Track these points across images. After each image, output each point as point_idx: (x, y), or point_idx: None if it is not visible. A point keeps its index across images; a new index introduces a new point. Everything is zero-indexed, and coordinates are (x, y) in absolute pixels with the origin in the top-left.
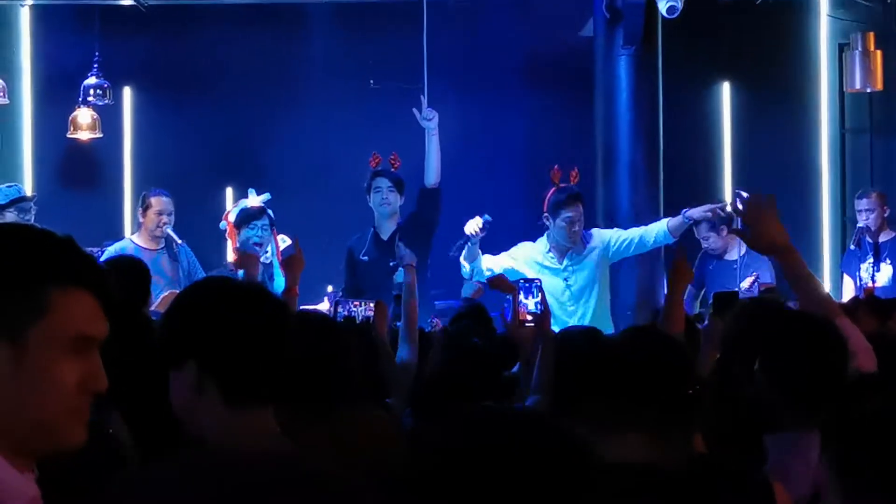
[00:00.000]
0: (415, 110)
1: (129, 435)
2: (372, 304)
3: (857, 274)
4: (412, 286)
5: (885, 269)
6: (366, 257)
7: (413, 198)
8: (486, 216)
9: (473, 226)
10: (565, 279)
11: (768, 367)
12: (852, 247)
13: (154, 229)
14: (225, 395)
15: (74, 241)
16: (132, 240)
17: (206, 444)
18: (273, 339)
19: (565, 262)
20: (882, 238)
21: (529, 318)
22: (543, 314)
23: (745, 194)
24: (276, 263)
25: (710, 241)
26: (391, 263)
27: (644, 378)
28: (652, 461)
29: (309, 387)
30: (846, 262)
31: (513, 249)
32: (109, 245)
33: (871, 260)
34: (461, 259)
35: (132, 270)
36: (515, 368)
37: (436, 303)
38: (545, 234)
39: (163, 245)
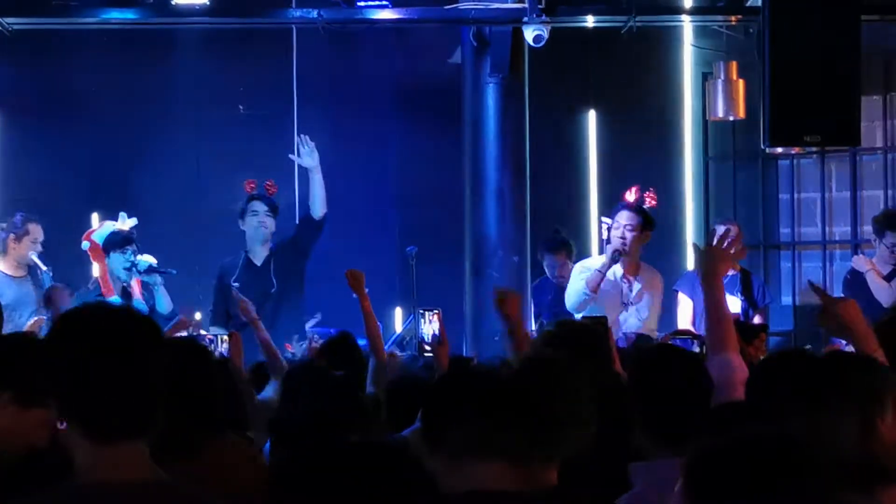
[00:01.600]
0: (291, 156)
1: None
2: (226, 337)
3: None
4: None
5: (732, 300)
6: (237, 283)
7: (284, 224)
8: None
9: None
10: None
11: (636, 397)
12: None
13: (25, 256)
14: (87, 432)
15: None
16: None
17: (74, 479)
18: (136, 373)
19: None
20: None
21: (427, 347)
22: (441, 343)
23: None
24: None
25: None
26: (271, 291)
27: (502, 402)
28: (506, 490)
29: (179, 415)
30: (684, 283)
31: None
32: None
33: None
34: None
35: None
36: None
37: (310, 329)
38: None
39: (26, 272)
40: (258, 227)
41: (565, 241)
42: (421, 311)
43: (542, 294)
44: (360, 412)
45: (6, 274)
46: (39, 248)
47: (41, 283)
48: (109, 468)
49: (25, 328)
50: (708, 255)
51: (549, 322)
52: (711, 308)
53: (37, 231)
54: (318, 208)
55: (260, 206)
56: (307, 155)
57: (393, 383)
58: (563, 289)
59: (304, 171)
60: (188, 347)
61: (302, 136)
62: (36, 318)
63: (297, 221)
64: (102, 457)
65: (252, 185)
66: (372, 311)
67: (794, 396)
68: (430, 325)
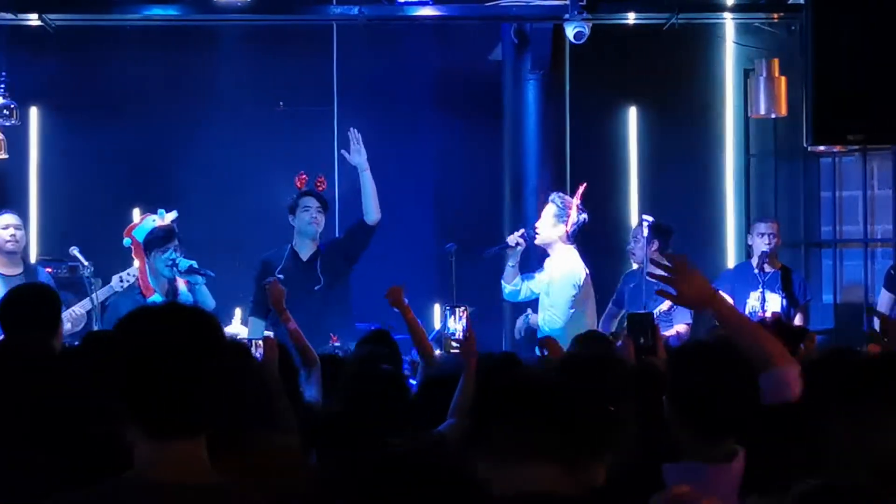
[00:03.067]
0: (343, 152)
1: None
2: (260, 343)
3: (746, 301)
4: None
5: (772, 298)
6: (282, 275)
7: (333, 224)
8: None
9: (515, 236)
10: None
11: (674, 397)
12: (755, 271)
13: (4, 244)
14: (147, 429)
15: None
16: None
17: (130, 475)
18: (195, 372)
19: None
20: (768, 269)
21: (454, 343)
22: (468, 340)
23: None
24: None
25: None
26: (316, 288)
27: (548, 404)
28: (556, 491)
29: (229, 414)
30: (723, 281)
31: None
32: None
33: (762, 289)
34: (502, 280)
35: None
36: None
37: (357, 324)
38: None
39: (21, 270)
40: (310, 223)
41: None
42: (449, 308)
43: (627, 283)
44: (408, 408)
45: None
46: (13, 231)
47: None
48: (167, 466)
49: (66, 317)
50: (680, 294)
51: (629, 314)
52: (735, 331)
53: (4, 219)
54: (373, 212)
55: (312, 202)
56: (356, 152)
57: (427, 378)
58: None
59: (347, 170)
60: (233, 347)
61: (352, 130)
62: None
63: (349, 227)
64: (161, 454)
65: (303, 180)
66: (416, 320)
67: (841, 397)
68: (457, 322)
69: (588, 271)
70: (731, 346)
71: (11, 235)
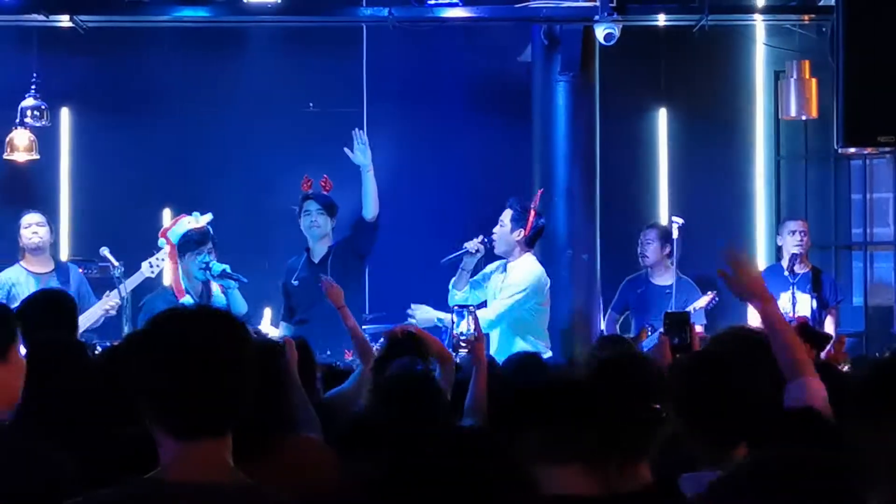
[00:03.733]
0: (346, 150)
1: (72, 462)
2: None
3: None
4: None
5: (803, 299)
6: (296, 282)
7: (346, 223)
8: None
9: (475, 242)
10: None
11: (684, 405)
12: (786, 273)
13: (29, 242)
14: (171, 429)
15: None
16: (21, 265)
17: (155, 474)
18: (220, 372)
19: None
20: (798, 269)
21: (464, 344)
22: (477, 339)
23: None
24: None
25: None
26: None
27: (574, 407)
28: (590, 493)
29: (253, 414)
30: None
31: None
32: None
33: (792, 290)
34: (450, 286)
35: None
36: None
37: (366, 328)
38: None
39: (52, 268)
40: (310, 227)
41: (660, 225)
42: (458, 309)
43: (634, 288)
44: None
45: (28, 271)
46: (35, 229)
47: (68, 279)
48: (192, 466)
49: (99, 307)
50: (736, 280)
51: (666, 313)
52: (771, 334)
53: (26, 219)
54: (371, 209)
55: (312, 205)
56: (361, 152)
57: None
58: (657, 286)
59: (376, 171)
60: (261, 346)
61: (357, 130)
62: (106, 299)
63: (351, 223)
64: (186, 454)
65: (308, 184)
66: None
67: (863, 401)
68: (466, 323)
69: (548, 280)
70: (731, 353)
71: (34, 233)
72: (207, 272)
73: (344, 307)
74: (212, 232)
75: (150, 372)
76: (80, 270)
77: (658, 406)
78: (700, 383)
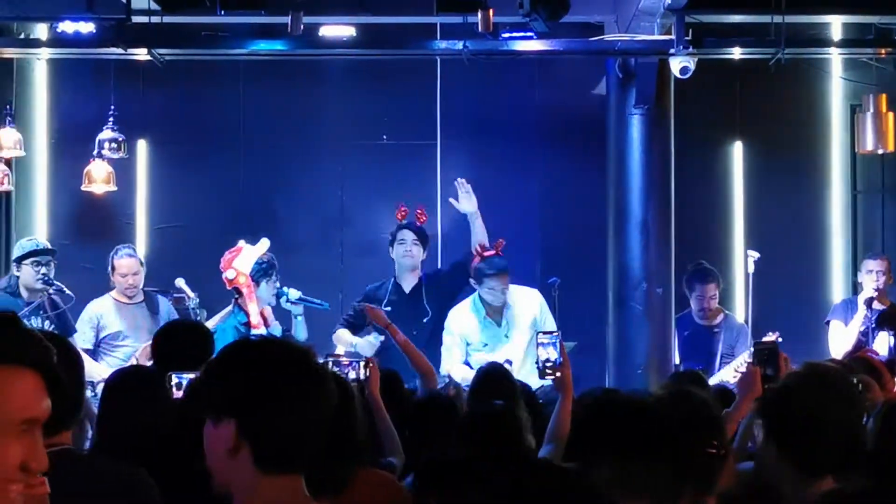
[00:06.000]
0: (452, 200)
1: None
2: (362, 364)
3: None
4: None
5: (882, 337)
6: (388, 307)
7: (435, 257)
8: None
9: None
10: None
11: (778, 433)
12: (867, 312)
13: (123, 290)
14: (257, 460)
15: (17, 318)
16: (111, 295)
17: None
18: (315, 408)
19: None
20: (876, 306)
21: (549, 371)
22: (563, 366)
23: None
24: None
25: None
26: (424, 320)
27: (645, 442)
28: None
29: (328, 450)
30: (836, 312)
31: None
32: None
33: (873, 326)
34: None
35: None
36: None
37: None
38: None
39: (141, 298)
40: (404, 256)
41: (713, 271)
42: (543, 335)
43: (681, 329)
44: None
45: (117, 301)
46: (135, 280)
47: (157, 310)
48: (270, 498)
49: (136, 353)
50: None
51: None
52: None
53: (122, 265)
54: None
55: (408, 235)
56: (465, 200)
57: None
58: (705, 327)
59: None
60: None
61: (459, 180)
62: (145, 344)
63: (454, 263)
64: (266, 486)
65: (403, 213)
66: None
67: None
68: (547, 350)
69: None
70: (843, 378)
71: (130, 284)
72: (284, 298)
73: (391, 325)
74: (274, 259)
75: (247, 395)
76: (168, 301)
77: (716, 443)
78: (799, 412)
